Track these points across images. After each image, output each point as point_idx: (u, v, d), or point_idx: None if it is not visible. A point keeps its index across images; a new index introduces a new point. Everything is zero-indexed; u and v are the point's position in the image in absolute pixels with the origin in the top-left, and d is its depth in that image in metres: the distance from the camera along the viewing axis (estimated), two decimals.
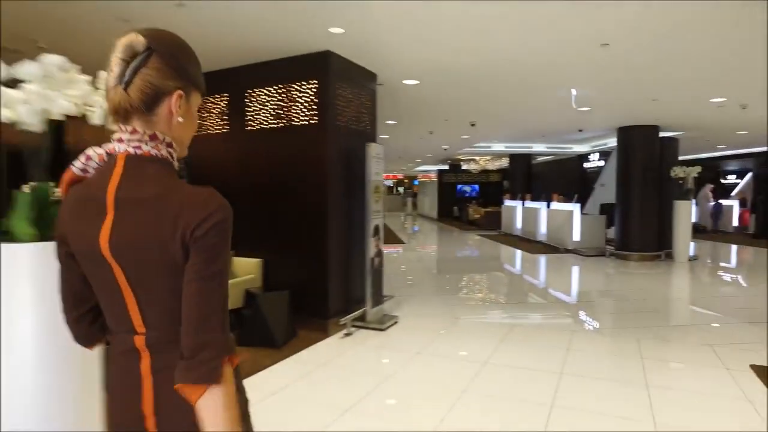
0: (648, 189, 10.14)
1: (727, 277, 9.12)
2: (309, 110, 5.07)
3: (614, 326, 5.59)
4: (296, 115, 5.13)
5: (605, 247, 11.24)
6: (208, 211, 0.93)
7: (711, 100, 7.48)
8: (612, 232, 11.66)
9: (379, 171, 5.48)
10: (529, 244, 13.31)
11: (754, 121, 9.77)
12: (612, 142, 14.56)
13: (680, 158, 11.01)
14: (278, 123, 5.24)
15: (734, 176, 20.10)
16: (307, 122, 5.09)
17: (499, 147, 16.49)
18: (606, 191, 14.02)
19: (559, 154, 17.46)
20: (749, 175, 19.14)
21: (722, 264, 10.78)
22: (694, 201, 10.03)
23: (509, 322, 5.54)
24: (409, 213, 31.46)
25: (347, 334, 5.09)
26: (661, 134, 10.33)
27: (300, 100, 5.11)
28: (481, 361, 4.20)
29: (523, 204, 15.06)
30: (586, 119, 9.60)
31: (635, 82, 6.45)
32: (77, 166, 1.03)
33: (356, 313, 5.26)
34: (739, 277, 8.86)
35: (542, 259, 10.89)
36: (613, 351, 4.63)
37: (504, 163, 19.45)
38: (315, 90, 5.03)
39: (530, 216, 14.15)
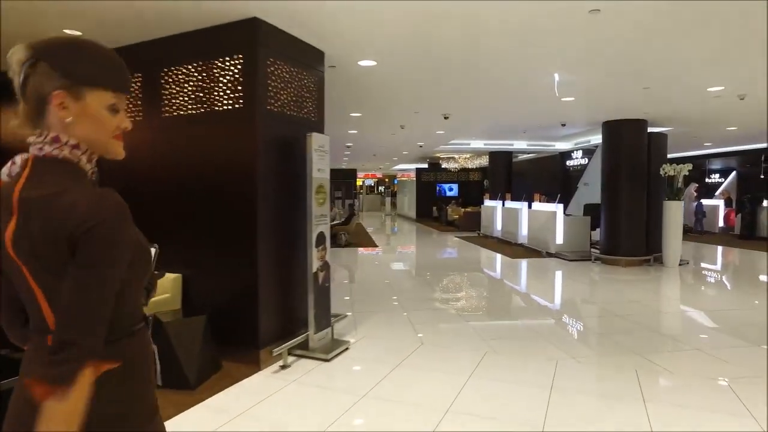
0: (635, 188, 9.38)
1: (725, 285, 8.37)
2: (233, 92, 4.11)
3: (607, 352, 4.73)
4: (219, 99, 4.17)
5: (590, 251, 10.47)
6: (93, 212, 0.96)
7: (708, 89, 6.70)
8: (597, 234, 10.90)
9: (324, 167, 4.55)
10: (509, 247, 12.50)
11: (747, 117, 9.07)
12: (595, 139, 13.85)
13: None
14: (199, 108, 4.27)
15: (717, 175, 19.62)
16: (231, 107, 4.13)
17: (478, 144, 15.69)
18: (590, 191, 13.29)
19: (541, 151, 16.72)
20: (733, 173, 18.67)
21: (714, 269, 10.06)
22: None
23: (481, 347, 4.65)
24: (388, 213, 30.60)
25: (283, 367, 4.16)
26: (649, 129, 9.57)
27: (223, 79, 4.14)
28: (441, 409, 3.29)
29: (503, 204, 14.26)
30: (569, 112, 8.79)
31: (626, 64, 5.62)
32: (4, 171, 1.08)
33: (295, 340, 4.33)
34: (738, 285, 8.11)
35: (523, 264, 10.07)
36: (608, 391, 3.76)
37: (485, 161, 18.67)
38: (239, 67, 4.07)
39: (510, 217, 13.35)
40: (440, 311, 6.07)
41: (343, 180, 29.03)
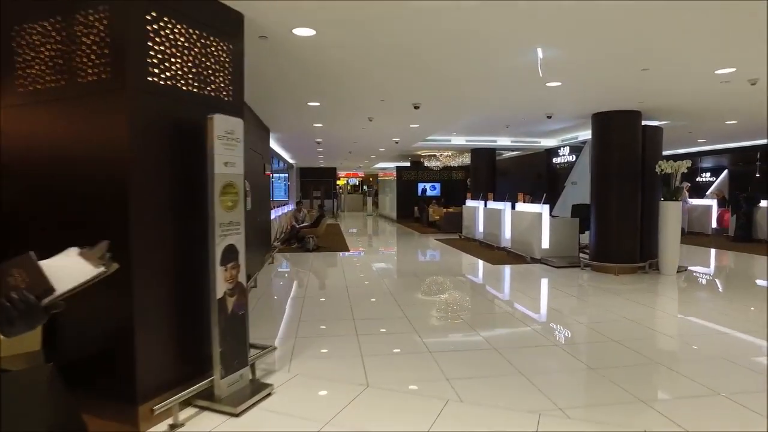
0: (628, 187, 8.42)
1: (733, 296, 7.41)
2: (98, 57, 3.01)
3: (604, 399, 3.71)
4: (81, 66, 3.07)
5: (579, 257, 9.50)
6: None
7: (717, 71, 5.72)
8: (586, 238, 9.94)
9: (235, 160, 3.48)
10: (490, 251, 11.50)
11: (751, 108, 8.16)
12: (583, 135, 12.92)
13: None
14: (58, 80, 3.16)
15: (708, 174, 18.86)
16: (96, 77, 3.03)
17: (459, 141, 14.69)
18: (578, 190, 12.35)
19: (526, 148, 15.78)
20: (725, 172, 17.91)
21: (716, 276, 9.14)
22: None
23: (443, 390, 3.62)
24: (369, 213, 29.54)
25: (173, 427, 3.08)
26: (643, 123, 8.62)
27: (86, 40, 3.04)
28: None
29: (485, 205, 13.27)
30: (555, 101, 7.79)
31: (623, 39, 4.61)
32: None
33: (192, 388, 3.25)
34: (747, 297, 7.15)
35: (504, 272, 9.06)
36: None
37: (468, 159, 17.68)
38: (106, 22, 2.98)
39: (493, 218, 12.36)
40: (401, 336, 5.01)
41: (321, 179, 27.89)
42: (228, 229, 3.41)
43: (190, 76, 3.36)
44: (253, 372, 3.87)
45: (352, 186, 39.91)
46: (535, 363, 4.22)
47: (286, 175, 24.00)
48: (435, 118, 9.48)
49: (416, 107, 7.78)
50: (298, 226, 13.01)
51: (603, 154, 8.62)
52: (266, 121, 9.77)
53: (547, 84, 6.35)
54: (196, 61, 3.41)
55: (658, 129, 8.99)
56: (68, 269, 1.15)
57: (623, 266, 8.32)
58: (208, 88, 3.52)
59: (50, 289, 1.11)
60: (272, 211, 14.16)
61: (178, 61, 3.26)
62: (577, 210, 10.34)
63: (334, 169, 28.60)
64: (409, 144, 14.48)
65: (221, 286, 3.34)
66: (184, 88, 3.31)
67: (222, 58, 3.65)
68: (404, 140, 13.32)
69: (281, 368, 4.11)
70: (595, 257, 8.72)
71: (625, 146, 8.41)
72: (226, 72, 3.70)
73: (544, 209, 9.82)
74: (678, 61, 5.35)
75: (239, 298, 3.54)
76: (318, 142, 13.73)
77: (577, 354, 4.49)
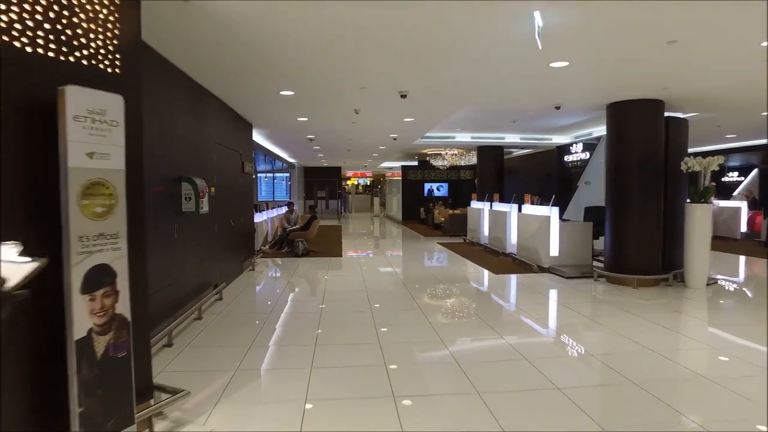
0: (649, 187, 7.35)
1: None
2: None
3: None
4: None
5: (592, 266, 8.44)
6: None
7: (763, 43, 4.66)
8: (601, 244, 8.90)
9: (110, 151, 2.54)
10: (495, 258, 10.48)
11: None
12: (598, 131, 11.82)
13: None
14: None
15: (735, 173, 17.57)
16: None
17: (464, 137, 13.68)
18: (592, 191, 11.28)
19: (536, 146, 14.70)
20: (755, 171, 16.61)
21: (751, 291, 7.99)
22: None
23: None
24: (375, 215, 28.59)
25: None
26: (666, 114, 7.54)
27: None
28: None
29: (490, 206, 12.24)
30: (563, 88, 6.76)
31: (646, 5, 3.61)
32: None
33: None
34: None
35: (508, 283, 8.05)
36: None
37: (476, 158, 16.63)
38: None
39: (498, 221, 11.34)
40: (365, 371, 4.05)
41: (325, 179, 27.01)
42: (97, 243, 2.48)
43: (44, 30, 2.44)
44: (151, 429, 2.94)
45: (363, 186, 39.02)
46: (526, 418, 3.22)
47: (287, 174, 23.21)
48: (429, 110, 8.49)
49: (403, 96, 6.81)
50: (288, 229, 12.12)
51: (619, 149, 7.55)
52: (247, 115, 8.88)
53: (552, 64, 5.33)
54: (54, 10, 2.49)
55: (682, 122, 7.89)
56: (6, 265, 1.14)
57: (643, 278, 7.26)
58: (76, 53, 2.60)
59: (3, 281, 1.14)
60: (264, 213, 13.31)
61: (27, 14, 2.34)
62: (591, 213, 9.30)
63: (339, 168, 27.72)
64: (409, 141, 13.50)
65: (84, 320, 2.42)
66: (33, 50, 2.39)
67: (100, 13, 2.73)
68: (402, 137, 12.35)
69: (196, 419, 3.18)
70: (611, 267, 7.66)
71: (645, 141, 7.34)
72: (108, 33, 2.78)
73: (553, 212, 8.78)
74: (716, 29, 4.30)
75: (118, 335, 2.60)
76: (311, 139, 12.82)
77: (584, 404, 3.48)
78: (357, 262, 10.54)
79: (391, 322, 5.56)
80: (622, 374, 3.93)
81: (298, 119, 9.31)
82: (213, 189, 6.82)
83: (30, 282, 1.29)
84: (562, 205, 11.18)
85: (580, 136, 12.88)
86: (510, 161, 17.01)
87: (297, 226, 12.36)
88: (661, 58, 5.18)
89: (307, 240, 11.61)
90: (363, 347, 4.64)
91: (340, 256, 11.28)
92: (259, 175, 19.39)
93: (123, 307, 2.63)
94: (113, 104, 2.54)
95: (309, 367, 4.11)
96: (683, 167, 7.02)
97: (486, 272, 8.90)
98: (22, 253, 1.29)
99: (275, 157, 18.27)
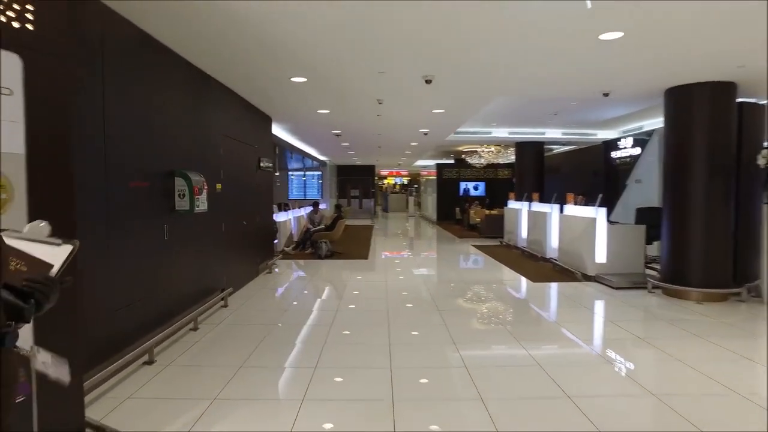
0: (716, 185, 6.30)
1: None
2: None
3: None
4: None
5: (645, 274, 7.42)
6: None
7: None
8: (655, 250, 7.90)
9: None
10: (533, 263, 9.54)
11: None
12: (650, 124, 10.68)
13: None
14: None
15: None
16: None
17: (500, 133, 12.74)
18: (643, 190, 10.20)
19: (580, 141, 13.57)
20: None
21: None
22: None
23: None
24: (411, 214, 27.80)
25: None
26: (739, 100, 6.46)
27: None
28: None
29: (529, 206, 11.28)
30: (615, 70, 5.81)
31: None
32: None
33: None
34: None
35: (547, 293, 7.15)
36: None
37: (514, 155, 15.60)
38: None
39: (537, 223, 10.38)
40: (365, 408, 3.31)
41: (359, 177, 26.41)
42: None
43: None
44: None
45: (399, 185, 38.30)
46: None
47: (319, 173, 22.73)
48: (459, 100, 7.66)
49: (428, 81, 6.02)
50: (312, 229, 11.53)
51: (680, 142, 6.52)
52: (264, 108, 8.30)
53: (602, 36, 4.44)
54: None
55: (759, 108, 6.77)
56: (38, 249, 1.11)
57: (708, 291, 6.22)
58: None
59: (49, 267, 1.10)
60: (289, 212, 12.78)
61: None
62: (644, 214, 8.26)
63: (372, 167, 27.08)
64: (442, 137, 12.67)
65: None
66: None
67: None
68: (434, 132, 11.53)
69: None
70: (669, 277, 6.65)
71: (712, 131, 6.29)
72: None
73: (599, 213, 7.79)
74: None
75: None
76: (337, 135, 12.18)
77: None
78: (383, 265, 9.82)
79: (409, 340, 4.80)
80: (689, 420, 3.04)
81: (318, 112, 8.65)
82: (219, 186, 6.24)
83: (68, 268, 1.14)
84: (609, 205, 10.12)
85: (629, 131, 11.73)
86: (551, 158, 15.90)
87: (321, 226, 11.75)
88: (741, 26, 4.21)
89: (332, 241, 10.98)
90: (369, 373, 3.90)
91: (366, 258, 10.59)
92: (289, 173, 19.02)
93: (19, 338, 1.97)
94: (5, 66, 1.90)
95: (300, 398, 3.40)
96: (761, 161, 5.95)
97: (523, 280, 8.01)
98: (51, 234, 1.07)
99: (304, 154, 17.77)
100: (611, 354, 4.43)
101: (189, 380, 3.78)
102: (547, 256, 9.60)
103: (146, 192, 4.38)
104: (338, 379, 3.79)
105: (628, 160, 11.51)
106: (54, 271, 1.11)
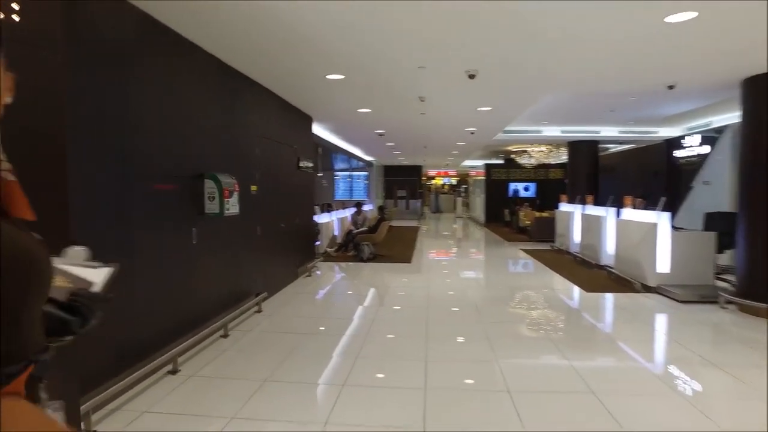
0: None
1: None
2: None
3: None
4: None
5: (716, 287, 6.70)
6: None
7: None
8: (726, 259, 7.16)
9: None
10: (587, 271, 8.91)
11: None
12: (719, 120, 9.79)
13: None
14: None
15: None
16: None
17: (552, 131, 12.10)
18: (713, 192, 9.34)
19: (639, 140, 12.69)
20: None
21: None
22: None
23: None
24: (458, 216, 27.20)
25: None
26: None
27: None
28: None
29: (582, 209, 10.60)
30: (682, 59, 5.21)
31: None
32: None
33: None
34: None
35: (604, 303, 6.59)
36: None
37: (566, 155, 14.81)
38: None
39: (592, 227, 9.72)
40: None
41: (406, 178, 26.07)
42: None
43: None
44: None
45: (448, 186, 37.70)
46: None
47: (366, 173, 22.57)
48: (507, 97, 7.19)
49: (471, 76, 5.62)
50: (354, 231, 11.31)
51: (759, 139, 5.80)
52: (303, 107, 8.13)
53: (669, 18, 3.91)
54: None
55: None
56: (79, 271, 1.12)
57: None
58: None
59: (91, 284, 1.10)
60: (333, 213, 12.63)
61: None
62: (714, 220, 7.51)
63: (420, 167, 26.69)
64: (489, 136, 12.15)
65: None
66: None
67: None
68: (481, 131, 11.04)
69: None
70: (746, 291, 5.94)
71: None
72: None
73: (662, 218, 7.11)
74: None
75: None
76: (380, 135, 11.91)
77: None
78: (427, 269, 9.45)
79: (448, 356, 4.44)
80: None
81: (359, 111, 8.39)
82: (255, 187, 6.09)
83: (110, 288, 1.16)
84: (672, 209, 9.34)
85: (695, 127, 10.83)
86: (606, 158, 15.03)
87: (364, 228, 11.51)
88: None
89: (374, 243, 10.72)
90: (401, 395, 3.57)
91: (409, 261, 10.26)
92: (334, 173, 18.96)
93: None
94: None
95: (324, 421, 3.12)
96: None
97: (576, 289, 7.44)
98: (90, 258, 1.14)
99: (349, 155, 17.64)
100: (677, 381, 3.89)
101: (209, 394, 3.58)
102: (602, 263, 8.94)
103: (173, 195, 4.23)
104: (366, 401, 3.48)
105: (694, 159, 10.63)
106: (96, 289, 1.10)
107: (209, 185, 4.73)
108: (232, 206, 4.92)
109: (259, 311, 5.92)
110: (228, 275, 5.35)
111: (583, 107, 8.76)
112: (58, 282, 1.05)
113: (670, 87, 6.40)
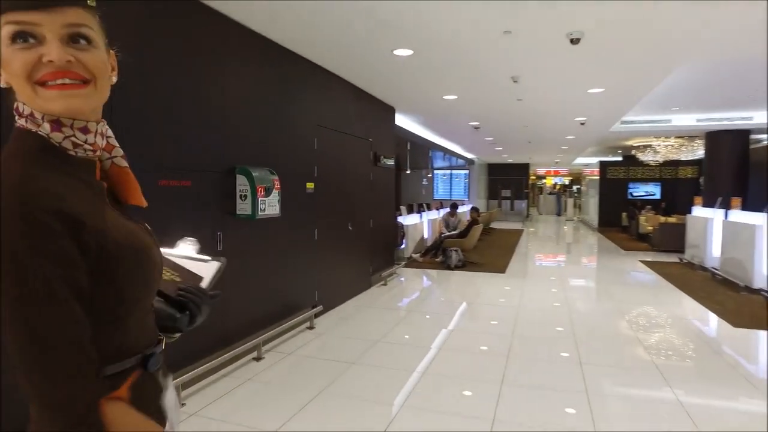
0: None
1: None
2: None
3: None
4: None
5: None
6: None
7: None
8: None
9: None
10: (732, 294, 7.00)
11: None
12: None
13: None
14: None
15: None
16: None
17: (685, 120, 10.07)
18: None
19: None
20: None
21: None
22: None
23: None
24: (568, 218, 24.78)
25: None
26: None
27: None
28: None
29: (725, 215, 8.54)
30: None
31: None
32: None
33: None
34: None
35: (756, 349, 4.89)
36: None
37: (702, 151, 12.29)
38: None
39: (738, 238, 7.70)
40: None
41: (511, 177, 24.30)
42: None
43: None
44: None
45: (560, 186, 35.00)
46: None
47: (466, 172, 21.29)
48: (623, 71, 5.67)
49: (574, 41, 4.31)
50: (444, 235, 10.26)
51: None
52: (380, 95, 7.26)
53: None
54: None
55: None
56: (189, 264, 1.11)
57: None
58: None
59: (200, 280, 1.09)
60: (422, 214, 11.66)
61: None
62: None
63: (527, 165, 24.76)
64: (603, 128, 10.38)
65: None
66: None
67: None
68: (592, 120, 9.37)
69: None
70: None
71: None
72: None
73: None
74: None
75: None
76: (476, 128, 10.69)
77: None
78: (521, 282, 8.11)
79: (525, 413, 3.26)
80: None
81: (444, 98, 7.31)
82: (311, 185, 5.32)
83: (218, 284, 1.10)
84: None
85: None
86: (759, 152, 12.31)
87: (455, 232, 10.40)
88: None
89: (464, 249, 9.57)
90: None
91: (503, 272, 8.96)
92: (435, 172, 17.98)
93: None
94: None
95: None
96: None
97: (716, 321, 5.73)
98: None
99: (446, 151, 16.54)
100: None
101: None
102: (755, 286, 6.97)
103: (188, 192, 3.54)
104: None
105: None
106: (204, 284, 1.07)
107: (241, 181, 4.01)
108: (270, 207, 4.15)
109: (311, 327, 5.13)
110: (267, 287, 4.59)
111: (728, 85, 6.86)
112: (167, 275, 1.03)
113: None
